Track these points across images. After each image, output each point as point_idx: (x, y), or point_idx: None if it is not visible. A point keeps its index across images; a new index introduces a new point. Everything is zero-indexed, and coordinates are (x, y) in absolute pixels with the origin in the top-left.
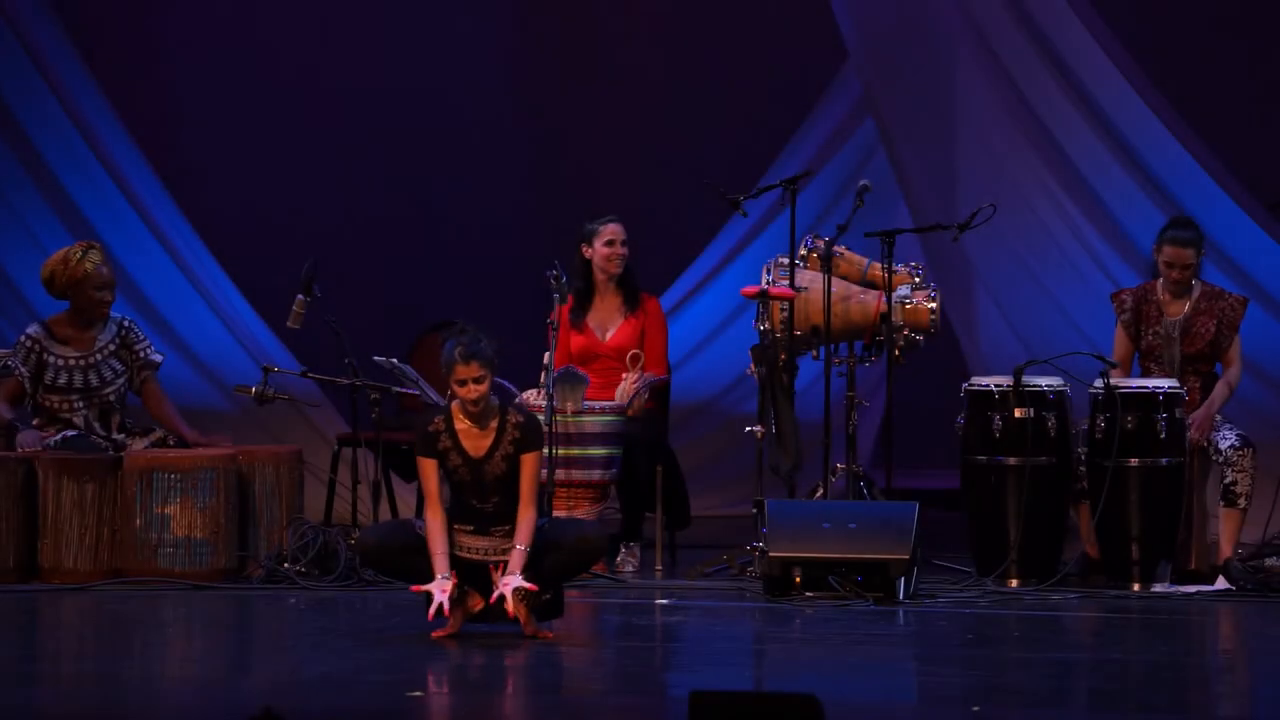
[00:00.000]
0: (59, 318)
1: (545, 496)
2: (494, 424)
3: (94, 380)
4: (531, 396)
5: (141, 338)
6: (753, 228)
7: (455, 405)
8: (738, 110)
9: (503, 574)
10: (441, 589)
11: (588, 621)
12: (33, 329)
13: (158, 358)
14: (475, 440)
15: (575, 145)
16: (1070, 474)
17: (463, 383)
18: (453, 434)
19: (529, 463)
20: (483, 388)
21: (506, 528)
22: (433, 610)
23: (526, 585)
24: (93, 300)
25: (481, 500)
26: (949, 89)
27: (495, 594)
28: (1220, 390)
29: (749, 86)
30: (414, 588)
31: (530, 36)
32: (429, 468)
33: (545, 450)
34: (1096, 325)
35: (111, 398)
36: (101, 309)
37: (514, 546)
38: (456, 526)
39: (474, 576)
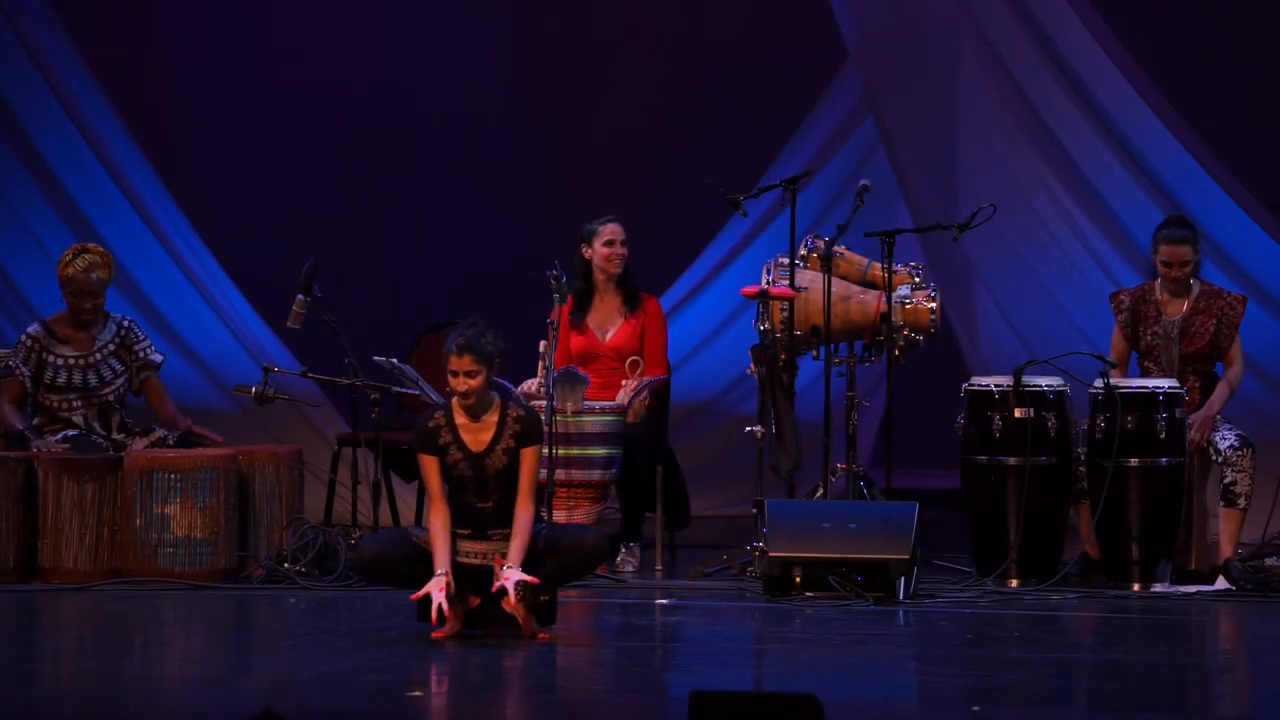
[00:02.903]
0: (59, 317)
1: (545, 497)
2: (494, 418)
3: (93, 380)
4: (529, 386)
5: (141, 338)
6: (753, 228)
7: (455, 400)
8: (738, 110)
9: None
10: (438, 586)
11: (588, 621)
12: (33, 328)
13: (157, 358)
14: (476, 435)
15: (575, 145)
16: (1070, 474)
17: (454, 374)
18: (453, 429)
19: (528, 457)
20: (474, 382)
21: (505, 531)
22: (434, 612)
23: (528, 579)
24: (70, 305)
25: (482, 498)
26: (949, 89)
27: (496, 584)
28: (1221, 390)
29: (749, 86)
30: (412, 597)
31: (530, 36)
32: (430, 465)
33: (544, 448)
34: (1096, 325)
35: (110, 398)
36: (81, 315)
37: (511, 547)
38: (456, 530)
39: (474, 581)
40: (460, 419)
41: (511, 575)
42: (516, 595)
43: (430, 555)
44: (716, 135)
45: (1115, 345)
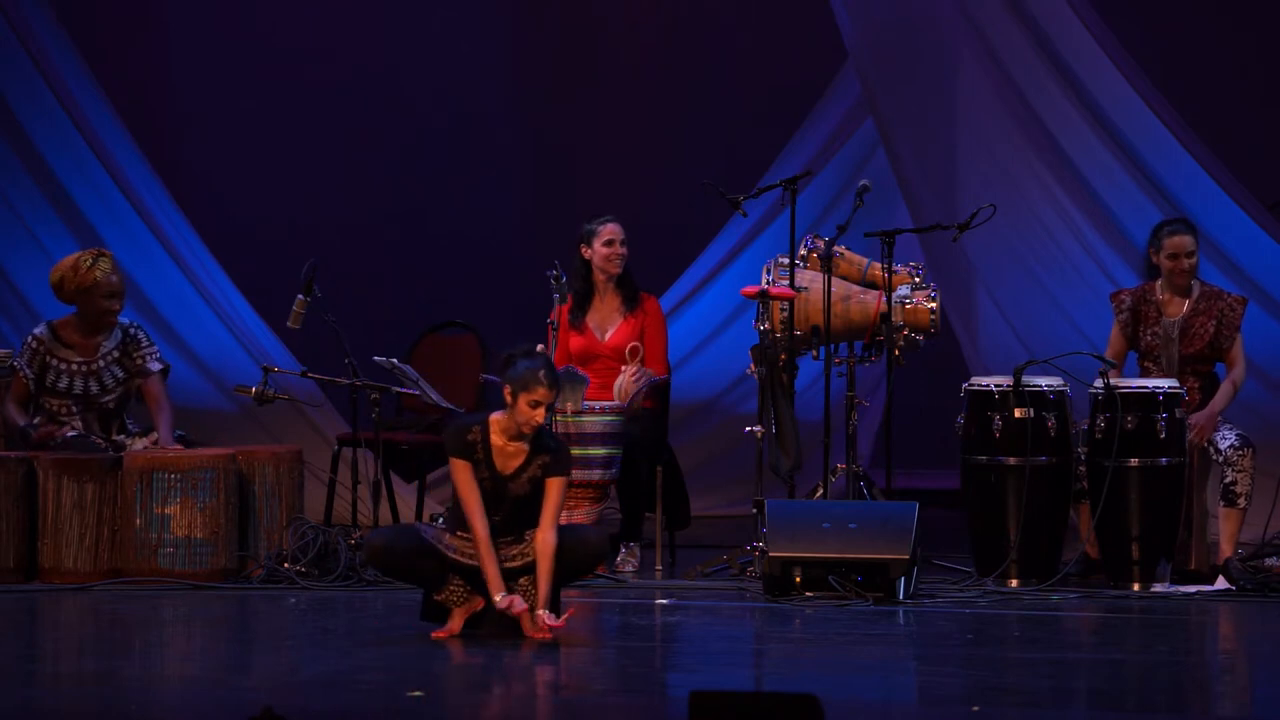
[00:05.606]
0: (66, 321)
1: None
2: (527, 445)
3: (94, 388)
4: None
5: (144, 345)
6: (753, 228)
7: (495, 419)
8: (738, 110)
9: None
10: (512, 607)
11: (588, 621)
12: (39, 330)
13: (155, 366)
14: (507, 459)
15: (575, 145)
16: (1070, 474)
17: (537, 405)
18: (487, 447)
19: (555, 487)
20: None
21: (509, 538)
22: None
23: (554, 622)
24: (100, 308)
25: (494, 513)
26: (949, 89)
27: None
28: (1225, 390)
29: (749, 86)
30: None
31: (530, 36)
32: (465, 470)
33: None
34: (1096, 325)
35: (111, 406)
36: (109, 318)
37: (539, 577)
38: (460, 533)
39: (476, 579)
40: (497, 440)
41: (544, 617)
42: (523, 611)
43: (436, 551)
44: (716, 135)
45: (1113, 344)
